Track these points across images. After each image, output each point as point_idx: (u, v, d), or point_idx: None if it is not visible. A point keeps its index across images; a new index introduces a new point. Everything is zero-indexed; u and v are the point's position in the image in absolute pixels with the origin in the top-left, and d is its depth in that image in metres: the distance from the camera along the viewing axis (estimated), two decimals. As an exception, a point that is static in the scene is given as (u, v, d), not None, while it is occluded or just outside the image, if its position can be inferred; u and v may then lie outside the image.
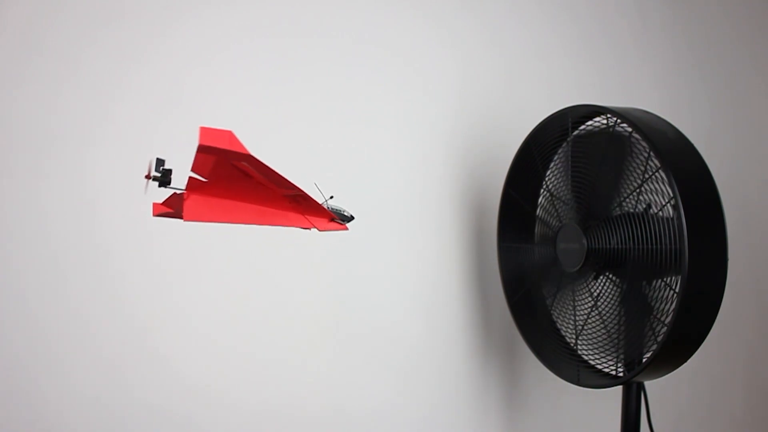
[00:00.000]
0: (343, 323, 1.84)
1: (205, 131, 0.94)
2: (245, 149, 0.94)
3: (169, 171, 0.99)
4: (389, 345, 1.89)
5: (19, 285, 1.52)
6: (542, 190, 1.84)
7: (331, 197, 1.06)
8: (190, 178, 0.98)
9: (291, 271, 1.76)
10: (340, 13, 1.83)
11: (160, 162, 1.00)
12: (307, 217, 1.03)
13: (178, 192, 1.00)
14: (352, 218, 1.09)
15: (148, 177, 1.00)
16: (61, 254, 1.55)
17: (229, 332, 1.70)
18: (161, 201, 1.03)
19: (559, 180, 1.79)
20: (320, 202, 1.04)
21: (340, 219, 1.07)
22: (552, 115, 1.77)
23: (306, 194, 1.01)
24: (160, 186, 1.00)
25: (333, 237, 1.80)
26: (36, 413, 1.53)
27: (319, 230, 1.06)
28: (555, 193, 1.79)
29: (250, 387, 1.73)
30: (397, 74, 1.90)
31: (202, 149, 0.94)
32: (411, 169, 1.93)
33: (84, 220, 1.56)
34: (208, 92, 1.68)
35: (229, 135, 0.95)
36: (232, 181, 0.98)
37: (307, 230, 1.06)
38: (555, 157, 1.81)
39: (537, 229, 1.85)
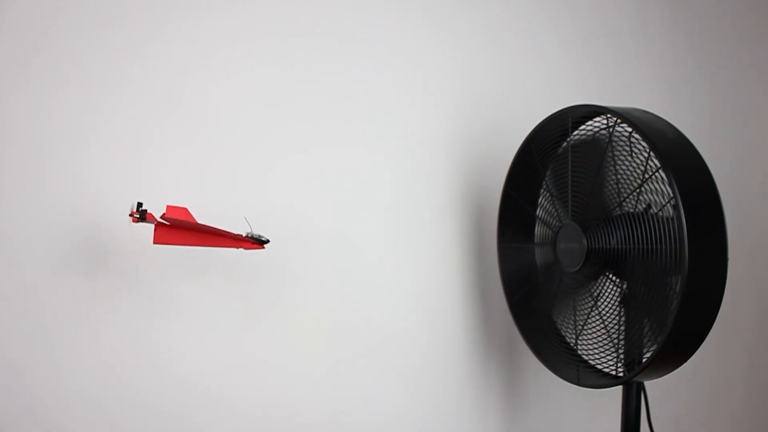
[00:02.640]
0: (343, 324, 1.83)
1: (169, 207, 1.48)
2: (195, 220, 1.50)
3: (145, 211, 1.47)
4: (389, 345, 1.89)
5: (19, 284, 1.52)
6: (542, 190, 1.84)
7: (251, 235, 1.55)
8: (158, 221, 1.48)
9: (294, 273, 1.76)
10: (340, 14, 1.83)
11: (139, 204, 1.47)
12: (237, 241, 1.55)
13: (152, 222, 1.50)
14: (268, 241, 1.56)
15: (131, 214, 1.47)
16: (60, 253, 1.55)
17: (232, 336, 1.70)
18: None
19: (559, 180, 1.78)
20: (246, 231, 1.56)
21: (259, 242, 1.56)
22: (552, 115, 1.77)
23: (233, 233, 1.54)
24: (139, 220, 1.47)
25: (334, 237, 1.81)
26: (35, 414, 1.53)
27: (245, 249, 1.56)
28: (555, 193, 1.79)
29: (252, 390, 1.73)
30: (396, 74, 1.90)
31: (166, 218, 1.47)
32: (411, 170, 1.92)
33: (84, 219, 1.56)
34: (208, 92, 1.68)
35: (185, 210, 1.50)
36: (185, 225, 1.51)
37: (236, 249, 1.57)
38: (555, 157, 1.81)
39: (537, 229, 1.85)
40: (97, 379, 1.58)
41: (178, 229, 1.50)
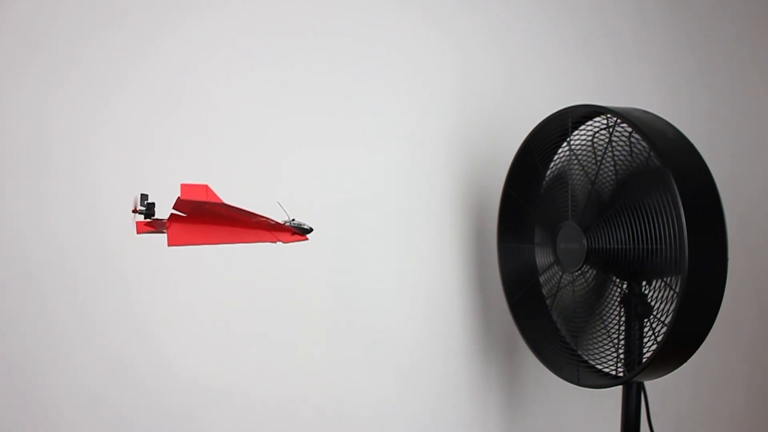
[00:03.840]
0: (344, 324, 1.84)
1: (184, 187, 1.13)
2: (220, 199, 1.14)
3: (153, 204, 1.16)
4: (390, 345, 1.89)
5: (22, 283, 1.52)
6: (542, 190, 1.84)
7: (293, 219, 1.25)
8: (171, 214, 1.15)
9: (293, 271, 1.76)
10: (340, 14, 1.83)
11: (144, 197, 1.17)
12: (273, 233, 1.23)
13: (161, 220, 1.18)
14: (311, 230, 1.27)
15: (134, 211, 1.17)
16: (63, 253, 1.55)
17: (230, 332, 1.71)
18: (144, 222, 1.21)
19: (560, 180, 1.78)
20: (284, 219, 1.25)
21: (300, 232, 1.26)
22: (552, 115, 1.77)
23: (268, 218, 1.20)
24: (145, 218, 1.17)
25: (333, 237, 1.81)
26: (39, 410, 1.54)
27: (284, 242, 1.25)
28: (555, 193, 1.79)
29: (250, 386, 1.73)
30: (397, 74, 1.90)
31: (182, 202, 1.13)
32: (411, 169, 1.93)
33: (86, 218, 1.56)
34: (208, 92, 1.68)
35: (206, 188, 1.16)
36: (206, 215, 1.17)
37: (273, 243, 1.25)
38: (555, 157, 1.81)
39: (537, 229, 1.85)
40: (98, 377, 1.58)
41: (199, 224, 1.18)
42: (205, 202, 1.14)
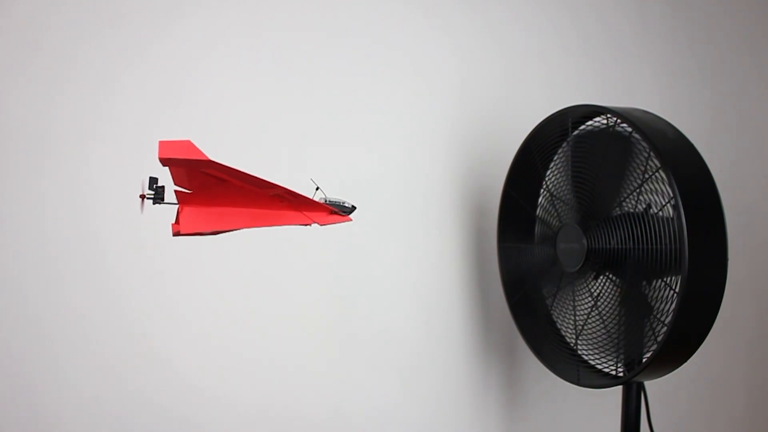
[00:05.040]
0: (343, 324, 1.84)
1: (163, 144, 0.97)
2: (204, 156, 0.97)
3: (162, 188, 1.02)
4: (389, 345, 1.89)
5: (18, 285, 1.52)
6: (542, 190, 1.84)
7: (317, 188, 1.05)
8: (175, 191, 1.01)
9: (291, 271, 1.76)
10: (340, 13, 1.83)
11: (153, 180, 1.03)
12: (305, 213, 1.04)
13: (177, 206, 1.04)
14: (353, 208, 1.08)
15: (142, 196, 1.03)
16: (59, 255, 1.55)
17: (229, 334, 1.70)
18: (175, 221, 1.05)
19: (559, 180, 1.79)
20: (318, 197, 1.05)
21: (340, 211, 1.06)
22: (552, 115, 1.77)
23: (291, 191, 1.02)
24: (154, 203, 1.02)
25: (332, 236, 1.80)
26: (35, 414, 1.53)
27: (320, 225, 1.05)
28: (555, 193, 1.79)
29: (249, 388, 1.73)
30: (397, 74, 1.90)
31: (164, 162, 0.97)
32: (411, 169, 1.93)
33: (83, 220, 1.56)
34: (208, 91, 1.68)
35: (187, 144, 0.98)
36: (213, 188, 1.01)
37: (308, 226, 1.06)
38: (555, 157, 1.81)
39: (537, 229, 1.85)
40: (97, 378, 1.58)
41: (215, 206, 1.00)
42: (199, 162, 0.95)
